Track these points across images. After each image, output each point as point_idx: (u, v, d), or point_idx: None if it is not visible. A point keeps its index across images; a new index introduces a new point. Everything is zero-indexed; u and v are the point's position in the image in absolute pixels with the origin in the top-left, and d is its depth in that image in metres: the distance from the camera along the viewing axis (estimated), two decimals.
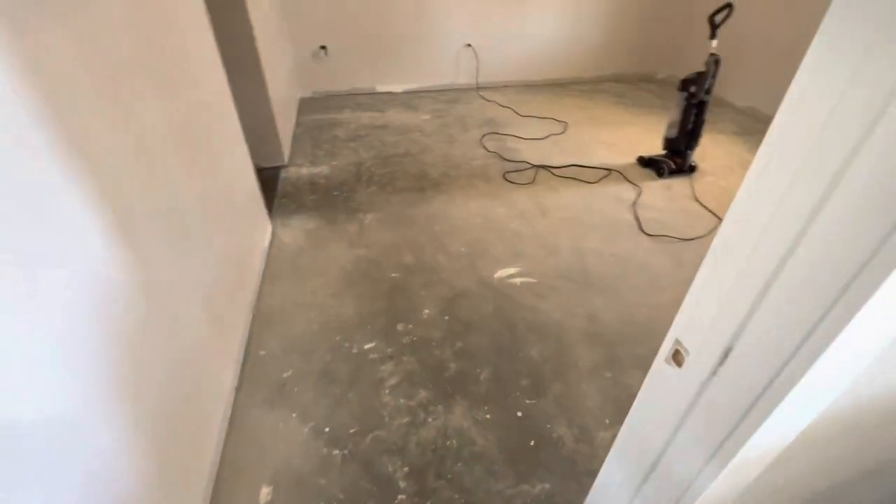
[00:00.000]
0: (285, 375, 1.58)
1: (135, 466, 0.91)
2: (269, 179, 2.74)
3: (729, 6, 2.49)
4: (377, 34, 4.03)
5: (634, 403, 0.68)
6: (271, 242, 2.25)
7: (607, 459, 0.81)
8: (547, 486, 1.28)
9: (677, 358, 0.55)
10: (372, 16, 3.93)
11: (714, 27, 2.57)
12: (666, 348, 0.57)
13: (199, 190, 1.41)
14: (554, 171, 2.96)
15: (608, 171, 2.96)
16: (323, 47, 4.01)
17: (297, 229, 2.35)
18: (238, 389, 1.52)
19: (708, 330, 0.49)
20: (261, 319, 1.80)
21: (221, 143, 1.72)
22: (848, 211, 0.35)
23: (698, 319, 0.51)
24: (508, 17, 4.17)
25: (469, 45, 4.26)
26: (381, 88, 4.35)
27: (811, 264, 0.38)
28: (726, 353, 0.47)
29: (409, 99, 4.19)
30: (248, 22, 2.38)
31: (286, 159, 3.00)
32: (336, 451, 1.35)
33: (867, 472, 0.74)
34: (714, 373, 0.50)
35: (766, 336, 0.43)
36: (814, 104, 0.36)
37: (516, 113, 3.89)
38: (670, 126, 2.89)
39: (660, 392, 0.60)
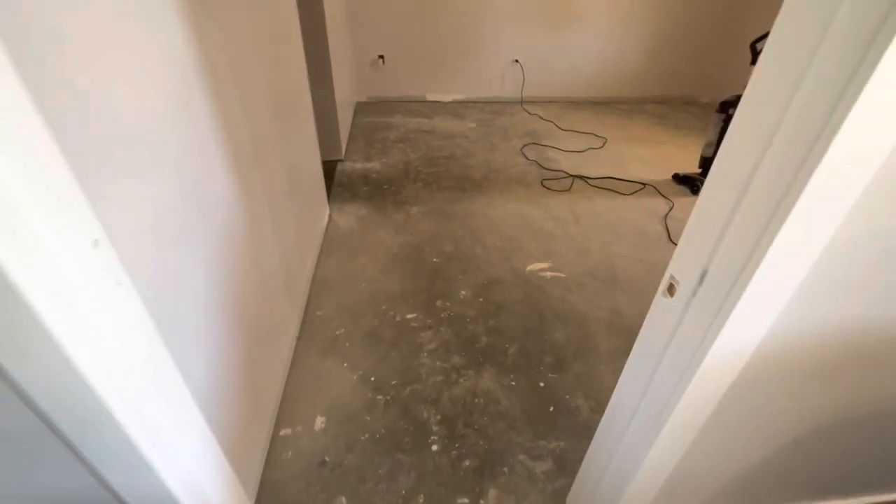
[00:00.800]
0: (338, 333, 1.81)
1: (229, 386, 1.15)
2: (327, 171, 3.03)
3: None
4: (431, 46, 4.34)
5: (637, 339, 0.85)
6: (328, 224, 2.52)
7: (614, 392, 0.98)
8: (562, 444, 1.44)
9: (671, 290, 0.73)
10: (427, 29, 4.24)
11: (755, 54, 2.69)
12: (663, 284, 0.75)
13: (285, 167, 1.68)
14: (590, 181, 3.12)
15: (643, 186, 3.09)
16: (381, 56, 4.36)
17: (350, 215, 2.62)
18: (298, 339, 1.77)
19: (692, 260, 0.67)
20: (318, 286, 2.06)
21: (300, 132, 2.00)
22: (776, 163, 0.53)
23: (686, 254, 0.69)
24: (556, 36, 4.38)
25: (517, 60, 4.50)
26: (430, 97, 4.64)
27: (757, 196, 0.56)
28: (703, 276, 0.65)
29: (456, 108, 4.46)
30: (325, 32, 2.70)
31: (343, 155, 3.31)
32: (380, 397, 1.56)
33: (828, 426, 0.88)
34: (694, 293, 0.67)
35: (729, 254, 0.60)
36: (771, 76, 0.54)
37: (557, 126, 4.07)
38: (707, 146, 3.00)
39: (656, 322, 0.77)
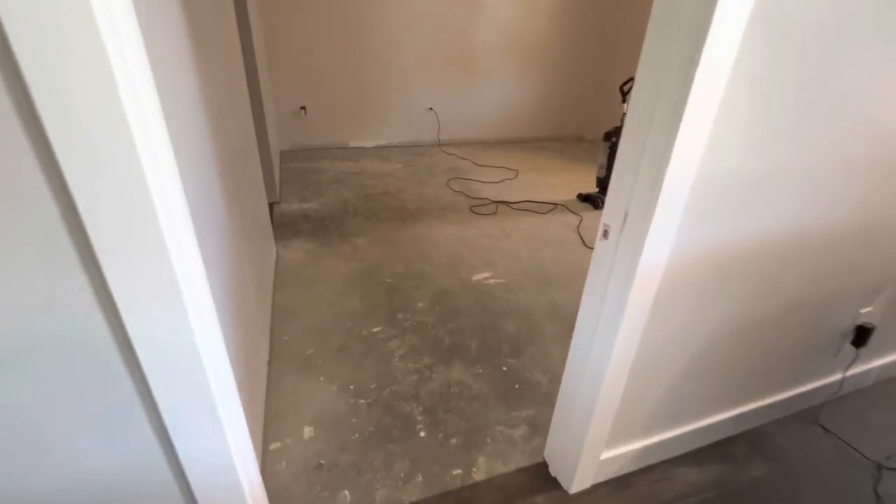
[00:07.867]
0: (309, 352, 1.87)
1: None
2: None
3: (633, 79, 3.33)
4: (351, 97, 4.66)
5: (586, 281, 1.12)
6: (276, 260, 2.56)
7: (573, 336, 1.23)
8: (531, 411, 1.65)
9: (606, 234, 1.01)
10: (346, 82, 4.57)
11: (624, 94, 3.39)
12: (599, 232, 1.03)
13: (244, 197, 1.78)
14: (511, 205, 3.55)
15: (555, 205, 3.59)
16: (303, 107, 4.56)
17: (297, 249, 2.69)
18: (270, 363, 1.79)
19: (616, 209, 0.96)
20: (278, 315, 2.09)
21: (251, 169, 2.10)
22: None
23: (612, 207, 0.98)
24: (463, 86, 4.98)
25: (431, 108, 4.99)
26: (353, 144, 4.90)
27: (649, 160, 0.87)
28: (625, 216, 0.94)
29: (380, 152, 4.77)
30: (258, 81, 2.86)
31: (279, 197, 3.37)
32: (362, 401, 1.65)
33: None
34: (621, 231, 0.96)
35: (639, 199, 0.90)
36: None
37: (474, 163, 4.55)
38: (600, 168, 3.61)
39: (599, 260, 1.05)
